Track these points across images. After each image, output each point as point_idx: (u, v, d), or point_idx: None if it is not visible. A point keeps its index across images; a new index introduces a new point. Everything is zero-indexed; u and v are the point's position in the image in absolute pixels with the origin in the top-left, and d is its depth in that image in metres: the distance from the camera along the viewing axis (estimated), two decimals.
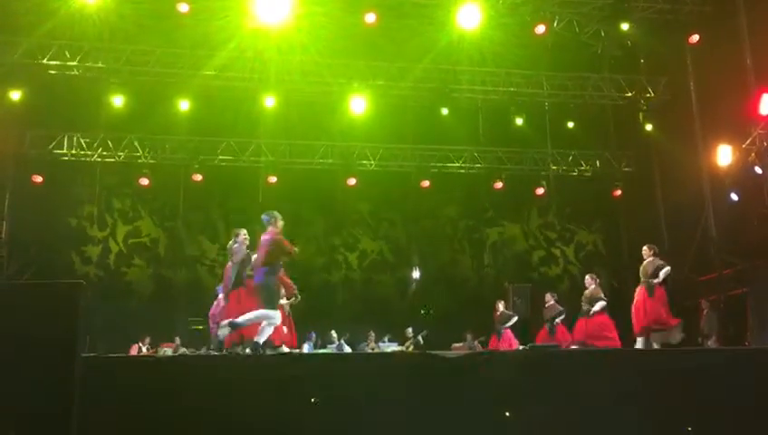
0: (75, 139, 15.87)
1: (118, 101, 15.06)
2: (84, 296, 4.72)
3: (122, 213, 16.94)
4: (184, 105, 15.37)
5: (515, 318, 13.04)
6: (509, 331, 12.80)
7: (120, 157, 16.03)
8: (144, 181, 16.10)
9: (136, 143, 16.01)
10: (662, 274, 9.53)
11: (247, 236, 8.57)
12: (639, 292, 9.76)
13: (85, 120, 15.79)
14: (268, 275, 7.61)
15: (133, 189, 16.71)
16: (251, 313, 7.47)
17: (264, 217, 8.04)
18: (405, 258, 17.77)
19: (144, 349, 13.41)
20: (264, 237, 7.84)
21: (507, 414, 5.64)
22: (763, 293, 12.20)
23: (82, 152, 15.94)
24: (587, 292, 11.16)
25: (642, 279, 9.73)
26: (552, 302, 12.42)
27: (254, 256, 8.08)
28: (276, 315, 7.55)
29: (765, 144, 12.66)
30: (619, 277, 16.17)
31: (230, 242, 8.65)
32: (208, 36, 14.53)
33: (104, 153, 15.99)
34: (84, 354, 5.04)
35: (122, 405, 5.17)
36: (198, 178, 16.14)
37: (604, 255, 18.21)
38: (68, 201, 16.51)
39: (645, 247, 9.98)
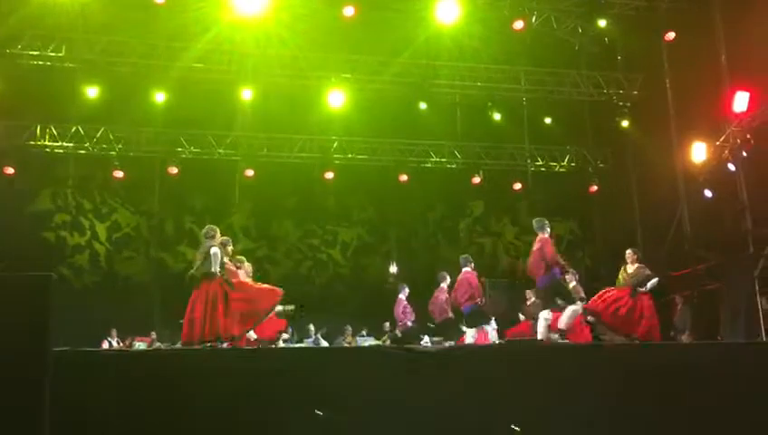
0: (48, 130, 15.60)
1: (92, 92, 14.80)
2: (55, 289, 4.63)
3: (96, 212, 16.64)
4: (160, 97, 15.17)
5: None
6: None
7: (93, 149, 15.79)
8: (118, 174, 15.88)
9: (110, 135, 15.77)
10: (650, 285, 9.52)
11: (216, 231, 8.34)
12: (624, 296, 9.63)
13: (58, 112, 15.51)
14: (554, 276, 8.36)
15: (105, 182, 16.45)
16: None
17: (535, 223, 8.91)
18: (383, 253, 17.77)
19: (114, 343, 13.23)
20: (537, 246, 8.53)
21: (482, 407, 5.66)
22: (735, 288, 12.36)
23: (55, 144, 15.66)
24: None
25: (624, 283, 9.65)
26: (534, 299, 12.28)
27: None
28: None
29: (739, 141, 12.83)
30: (594, 274, 16.27)
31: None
32: (185, 28, 14.37)
33: (78, 145, 15.73)
34: (56, 349, 4.94)
35: (95, 399, 5.09)
36: (174, 170, 15.96)
37: (581, 251, 18.32)
38: (38, 195, 16.20)
39: (629, 252, 9.87)
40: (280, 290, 8.64)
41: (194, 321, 7.59)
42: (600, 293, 9.62)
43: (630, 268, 9.64)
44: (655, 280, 9.53)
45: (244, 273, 9.23)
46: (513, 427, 5.53)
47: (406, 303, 12.41)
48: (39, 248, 15.66)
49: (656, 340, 9.22)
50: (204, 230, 8.36)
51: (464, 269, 10.81)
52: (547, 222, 8.99)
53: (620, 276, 9.73)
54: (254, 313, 8.19)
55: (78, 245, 16.39)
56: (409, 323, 12.39)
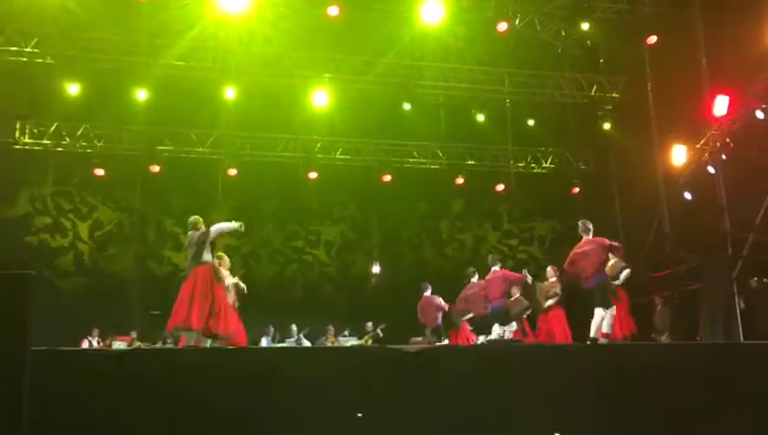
0: (27, 127, 15.42)
1: (73, 89, 14.64)
2: (34, 287, 4.59)
3: (76, 212, 16.36)
4: (142, 95, 15.04)
5: (471, 314, 12.98)
6: (466, 324, 12.78)
7: (74, 146, 15.61)
8: (99, 172, 15.72)
9: (91, 133, 15.61)
10: (623, 276, 9.63)
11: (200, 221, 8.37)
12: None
13: (38, 109, 15.29)
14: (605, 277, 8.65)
15: (84, 181, 16.24)
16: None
17: (580, 224, 9.03)
18: (366, 249, 17.79)
19: (94, 343, 13.13)
20: (590, 247, 8.68)
21: (466, 406, 5.67)
22: (714, 289, 12.49)
23: (34, 141, 15.48)
24: (545, 284, 11.23)
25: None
26: (518, 295, 12.29)
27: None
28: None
29: (718, 145, 13.00)
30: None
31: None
32: (168, 25, 14.25)
33: (57, 142, 15.56)
34: (35, 348, 4.89)
35: (73, 398, 5.05)
36: (156, 169, 15.84)
37: (563, 251, 18.41)
38: (16, 199, 15.90)
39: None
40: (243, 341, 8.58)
41: (180, 309, 7.63)
42: None
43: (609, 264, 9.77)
44: (627, 271, 9.64)
45: (224, 268, 9.24)
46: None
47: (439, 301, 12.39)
48: (22, 253, 15.38)
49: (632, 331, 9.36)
50: (190, 220, 8.37)
51: (493, 268, 10.81)
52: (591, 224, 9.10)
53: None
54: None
55: (61, 247, 16.14)
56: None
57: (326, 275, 17.61)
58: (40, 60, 14.41)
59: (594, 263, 8.51)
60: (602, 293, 8.48)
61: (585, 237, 8.91)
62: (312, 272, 17.51)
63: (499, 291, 10.47)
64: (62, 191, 16.29)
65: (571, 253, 9.03)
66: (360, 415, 5.40)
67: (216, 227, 8.28)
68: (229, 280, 9.31)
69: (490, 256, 11.50)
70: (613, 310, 8.54)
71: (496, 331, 10.36)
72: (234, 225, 8.44)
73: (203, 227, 8.25)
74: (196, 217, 8.45)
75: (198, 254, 8.01)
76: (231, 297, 9.10)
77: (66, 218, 16.28)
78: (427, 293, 12.54)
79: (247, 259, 16.73)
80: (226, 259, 9.56)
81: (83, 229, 16.38)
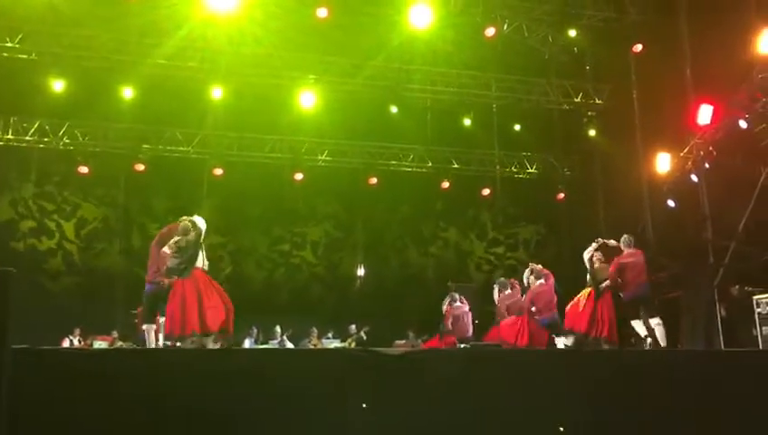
0: (12, 123, 15.30)
1: (58, 86, 14.53)
2: (14, 284, 4.54)
3: (60, 211, 16.28)
4: (128, 93, 14.96)
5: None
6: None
7: (57, 144, 15.50)
8: (83, 169, 15.62)
9: (76, 130, 15.51)
10: (607, 282, 9.67)
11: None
12: (590, 296, 9.79)
13: (23, 105, 15.16)
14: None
15: (66, 179, 16.17)
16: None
17: (625, 239, 9.60)
18: (351, 252, 17.79)
19: (75, 342, 13.04)
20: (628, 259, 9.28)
21: (448, 410, 5.69)
22: (695, 296, 12.61)
23: (19, 138, 15.36)
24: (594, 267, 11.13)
25: (592, 284, 9.82)
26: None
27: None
28: None
29: (702, 153, 13.12)
30: (560, 280, 16.45)
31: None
32: (157, 24, 14.19)
33: (42, 140, 15.44)
34: (14, 346, 4.85)
35: (55, 399, 5.01)
36: (141, 168, 15.76)
37: (547, 257, 18.53)
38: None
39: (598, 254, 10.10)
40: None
41: (174, 314, 7.55)
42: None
43: (596, 267, 9.85)
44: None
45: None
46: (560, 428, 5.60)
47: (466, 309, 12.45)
48: (10, 260, 15.19)
49: (613, 338, 9.41)
50: (182, 226, 8.26)
51: (538, 282, 10.76)
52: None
53: (590, 278, 9.92)
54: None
55: (49, 248, 16.08)
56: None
57: (315, 275, 17.62)
58: (25, 56, 14.28)
59: (639, 273, 9.23)
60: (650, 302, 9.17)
61: (627, 250, 9.51)
62: (301, 275, 17.51)
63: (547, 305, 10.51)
64: (44, 193, 16.18)
65: (618, 261, 9.48)
66: (340, 417, 5.40)
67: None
68: None
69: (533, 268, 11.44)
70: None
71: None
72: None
73: (193, 231, 8.12)
74: (191, 219, 8.27)
75: (195, 257, 7.93)
76: None
77: (50, 220, 16.18)
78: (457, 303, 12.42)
79: (235, 265, 16.71)
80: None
81: (69, 229, 16.29)
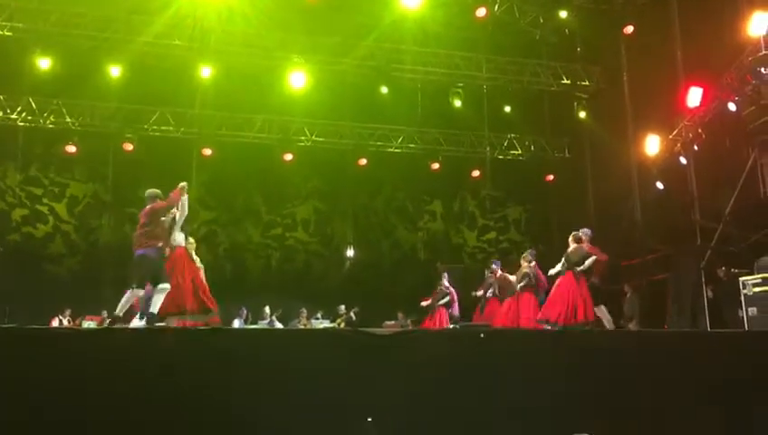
0: None
1: (45, 64, 14.33)
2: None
3: (49, 194, 16.16)
4: (116, 72, 14.78)
5: (447, 297, 13.05)
6: (443, 309, 12.85)
7: (45, 122, 15.35)
8: (71, 149, 15.49)
9: (63, 109, 15.36)
10: (587, 263, 9.75)
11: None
12: (565, 281, 9.88)
13: (8, 83, 14.97)
14: None
15: (50, 160, 16.06)
16: None
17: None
18: (339, 237, 17.81)
19: (65, 322, 13.02)
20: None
21: (437, 390, 5.73)
22: (682, 278, 12.70)
23: (4, 116, 15.19)
24: (569, 251, 11.18)
25: (566, 266, 9.90)
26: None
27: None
28: None
29: (691, 135, 13.16)
30: (548, 262, 16.54)
31: None
32: (144, 1, 14.05)
33: (28, 118, 15.28)
34: (1, 326, 4.84)
35: (40, 377, 5.00)
36: (129, 147, 15.65)
37: (535, 238, 18.62)
38: None
39: (572, 235, 10.19)
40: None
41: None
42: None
43: (570, 249, 9.94)
44: (593, 258, 9.78)
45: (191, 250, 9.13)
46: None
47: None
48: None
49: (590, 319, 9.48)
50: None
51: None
52: None
53: (564, 261, 9.99)
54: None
55: (47, 234, 16.00)
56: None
57: (311, 252, 17.59)
58: (12, 33, 14.08)
59: None
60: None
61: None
62: (298, 255, 17.52)
63: None
64: (30, 178, 16.06)
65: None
66: (329, 398, 5.42)
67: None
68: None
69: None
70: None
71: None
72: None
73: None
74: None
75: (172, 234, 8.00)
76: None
77: (41, 204, 16.07)
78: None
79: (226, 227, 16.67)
80: (192, 241, 9.44)
81: (61, 210, 16.19)
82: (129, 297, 7.52)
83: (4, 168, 15.83)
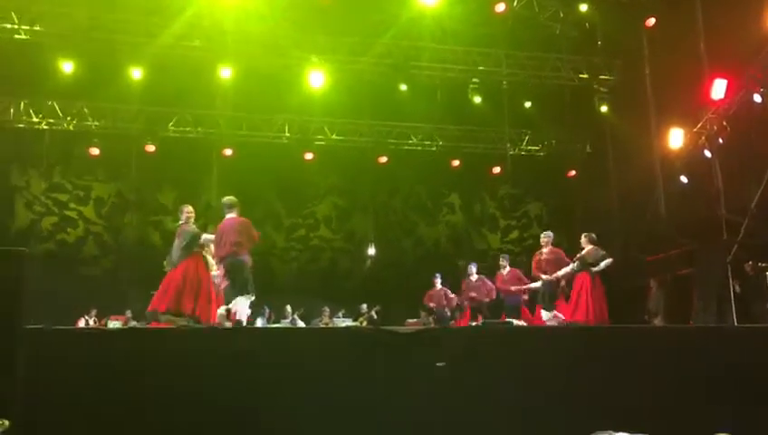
0: (22, 105, 15.32)
1: (68, 67, 14.48)
2: (28, 265, 4.56)
3: (75, 198, 16.27)
4: (137, 74, 14.90)
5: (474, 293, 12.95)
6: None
7: (68, 126, 15.52)
8: (95, 151, 15.67)
9: (86, 111, 15.53)
10: (603, 264, 9.65)
11: (191, 212, 8.44)
12: (582, 280, 9.79)
13: (33, 87, 15.13)
14: None
15: (74, 162, 16.21)
16: None
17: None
18: (360, 234, 17.80)
19: (91, 322, 13.16)
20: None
21: (460, 388, 5.70)
22: (708, 273, 12.53)
23: (29, 120, 15.38)
24: (583, 253, 11.06)
25: (580, 266, 9.81)
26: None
27: (205, 235, 8.13)
28: None
29: (715, 128, 12.97)
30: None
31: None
32: (164, 3, 14.14)
33: (52, 121, 15.46)
34: (29, 326, 4.88)
35: (71, 379, 5.05)
36: (151, 149, 15.78)
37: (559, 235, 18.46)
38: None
39: (583, 236, 10.10)
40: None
41: (167, 292, 7.66)
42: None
43: (584, 250, 9.81)
44: (609, 260, 9.67)
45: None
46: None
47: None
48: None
49: (602, 320, 9.36)
50: (183, 214, 8.39)
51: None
52: None
53: (579, 262, 9.89)
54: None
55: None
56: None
57: (336, 249, 17.62)
58: (35, 38, 14.22)
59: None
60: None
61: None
62: (324, 254, 17.54)
63: None
64: (54, 185, 16.18)
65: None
66: (352, 395, 5.41)
67: (206, 238, 8.24)
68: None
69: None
70: None
71: None
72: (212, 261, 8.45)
73: (195, 227, 8.34)
74: (189, 207, 8.50)
75: (188, 248, 8.05)
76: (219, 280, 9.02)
77: (69, 210, 16.21)
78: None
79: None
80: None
81: (89, 212, 16.33)
82: (245, 303, 7.67)
83: (27, 177, 15.96)
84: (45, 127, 15.50)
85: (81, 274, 15.70)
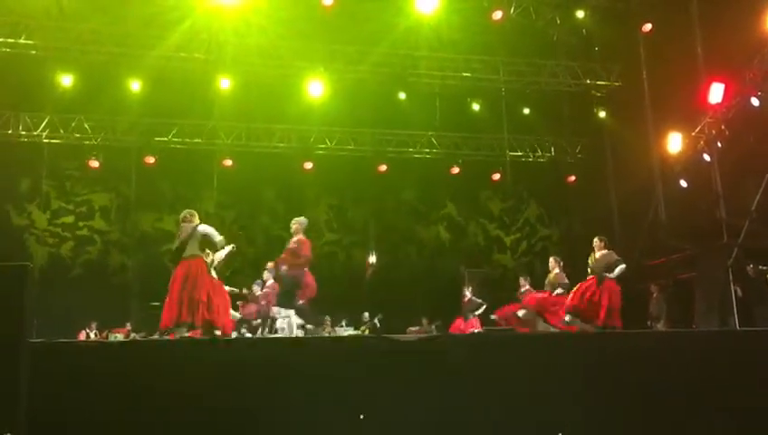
0: (22, 119, 15.34)
1: (66, 80, 14.56)
2: (31, 279, 4.57)
3: (78, 215, 16.22)
4: (135, 86, 14.96)
5: (484, 307, 12.85)
6: (476, 319, 12.72)
7: (68, 138, 15.53)
8: (94, 164, 15.68)
9: (85, 125, 15.54)
10: (618, 270, 9.57)
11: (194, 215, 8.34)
12: (593, 283, 9.74)
13: (32, 100, 15.17)
14: None
15: (72, 176, 16.20)
16: None
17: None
18: (361, 243, 17.79)
19: (92, 335, 13.15)
20: None
21: (462, 396, 5.69)
22: (709, 277, 12.53)
23: (29, 133, 15.40)
24: (550, 275, 11.10)
25: (593, 270, 9.75)
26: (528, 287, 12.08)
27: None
28: None
29: (714, 132, 13.01)
30: (571, 263, 16.41)
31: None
32: (161, 15, 14.17)
33: (52, 134, 15.47)
34: (32, 340, 4.89)
35: (71, 391, 5.04)
36: (151, 160, 15.80)
37: (556, 242, 18.48)
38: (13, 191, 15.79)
39: (596, 239, 9.99)
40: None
41: (171, 305, 7.58)
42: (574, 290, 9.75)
43: (598, 254, 9.75)
44: (622, 266, 9.61)
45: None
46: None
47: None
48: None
49: (615, 326, 9.29)
50: (182, 215, 8.27)
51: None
52: None
53: (590, 262, 9.83)
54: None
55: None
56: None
57: (336, 258, 17.56)
58: (33, 52, 14.26)
59: None
60: None
61: None
62: (325, 263, 17.48)
63: None
64: (56, 211, 16.09)
65: None
66: (359, 404, 5.40)
67: (206, 229, 8.09)
68: (220, 253, 9.12)
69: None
70: None
71: None
72: (223, 251, 8.52)
73: (196, 221, 8.11)
74: (190, 210, 8.34)
75: (191, 247, 7.93)
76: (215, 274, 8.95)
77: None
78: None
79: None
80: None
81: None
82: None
83: (27, 213, 15.84)
84: (45, 141, 15.47)
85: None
